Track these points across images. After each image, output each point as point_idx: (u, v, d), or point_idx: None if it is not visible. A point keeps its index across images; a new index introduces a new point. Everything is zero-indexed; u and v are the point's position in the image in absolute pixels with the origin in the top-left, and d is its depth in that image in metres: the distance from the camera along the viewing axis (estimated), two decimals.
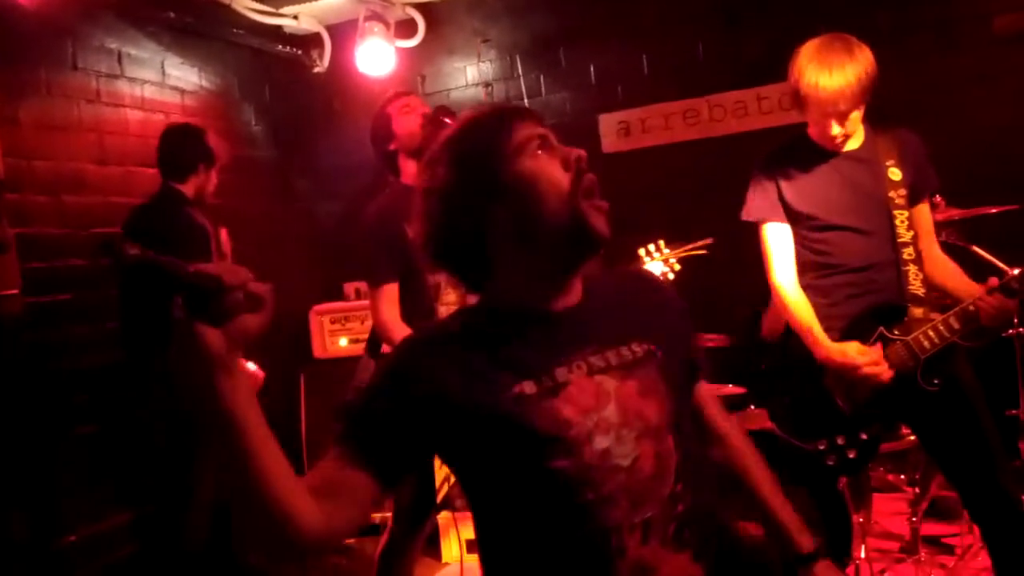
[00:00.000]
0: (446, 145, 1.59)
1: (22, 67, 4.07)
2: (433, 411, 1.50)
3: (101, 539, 4.08)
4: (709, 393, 1.89)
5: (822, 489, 3.19)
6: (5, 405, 3.65)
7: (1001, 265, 3.39)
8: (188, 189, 4.04)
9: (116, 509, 4.18)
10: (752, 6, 5.04)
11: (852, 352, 2.83)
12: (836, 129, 2.82)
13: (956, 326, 2.76)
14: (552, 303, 1.59)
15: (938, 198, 3.50)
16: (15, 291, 3.69)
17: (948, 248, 3.61)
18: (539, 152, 1.54)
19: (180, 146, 4.09)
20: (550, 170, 1.53)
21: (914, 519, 3.71)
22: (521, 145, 1.54)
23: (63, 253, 4.09)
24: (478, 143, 1.56)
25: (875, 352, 2.82)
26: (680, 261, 3.58)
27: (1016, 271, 2.72)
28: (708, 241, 3.61)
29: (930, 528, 3.89)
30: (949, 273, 2.94)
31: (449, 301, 3.44)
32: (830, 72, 2.72)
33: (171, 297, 1.29)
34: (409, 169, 3.44)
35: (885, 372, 2.80)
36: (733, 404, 3.99)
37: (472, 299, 3.41)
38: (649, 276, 2.14)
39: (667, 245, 3.56)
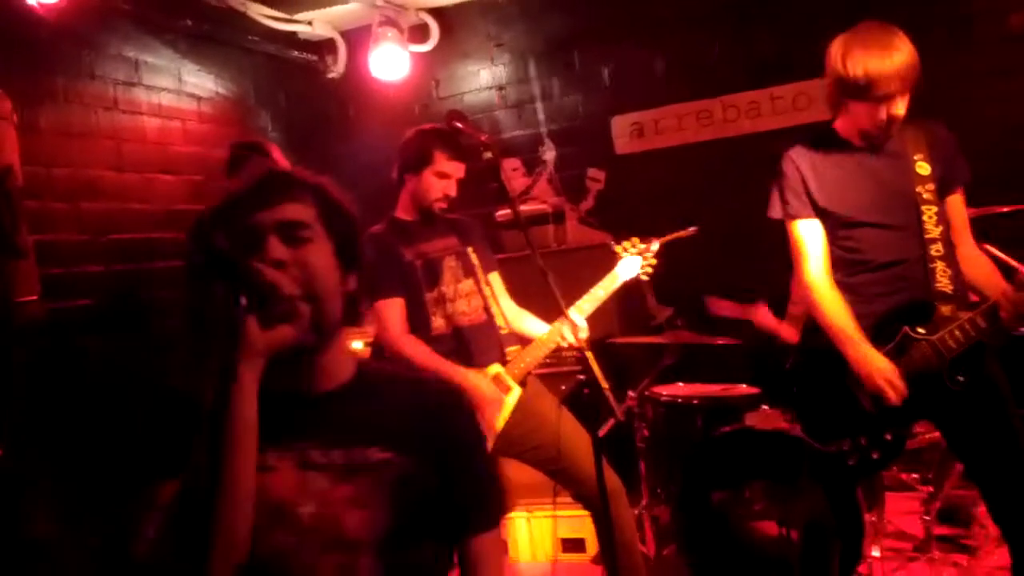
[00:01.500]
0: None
1: (40, 76, 4.14)
2: None
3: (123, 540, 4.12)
4: (487, 554, 1.62)
5: (839, 489, 3.17)
6: (25, 409, 3.70)
7: (1014, 263, 3.37)
8: None
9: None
10: (764, 6, 5.04)
11: (884, 367, 2.78)
12: (903, 109, 2.74)
13: (982, 324, 2.71)
14: (285, 385, 1.54)
15: None
16: (35, 297, 3.74)
17: None
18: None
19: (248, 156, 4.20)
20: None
21: (927, 518, 3.71)
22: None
23: (81, 260, 4.15)
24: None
25: (896, 373, 2.78)
26: (678, 258, 3.62)
27: None
28: (692, 230, 3.64)
29: (944, 527, 3.88)
30: (981, 269, 2.89)
31: (457, 311, 3.46)
32: (888, 53, 2.67)
33: (238, 293, 1.39)
34: (405, 204, 3.54)
35: (896, 391, 2.76)
36: (747, 404, 4.01)
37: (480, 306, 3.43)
38: (452, 400, 1.69)
39: (642, 241, 3.58)
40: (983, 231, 3.63)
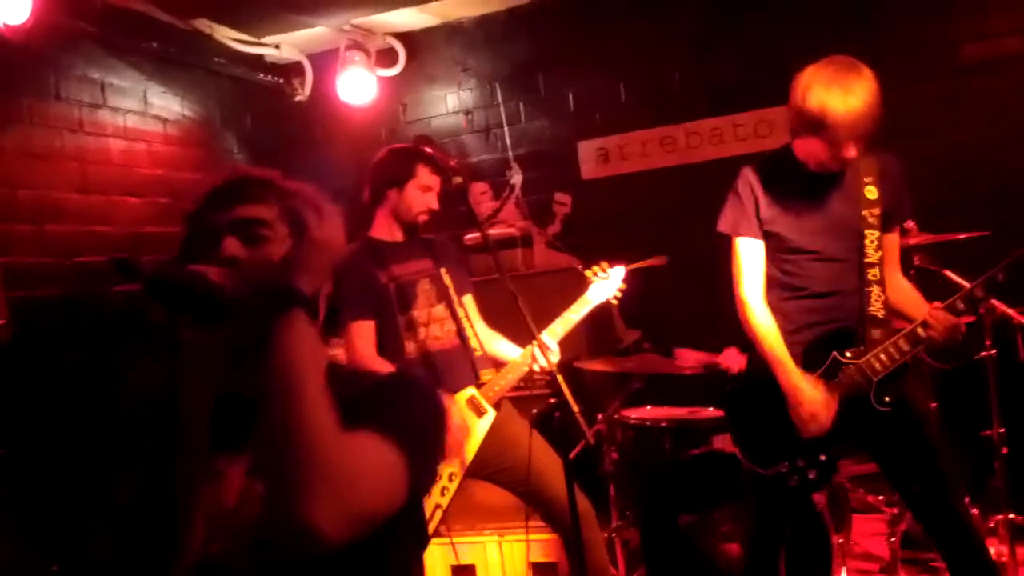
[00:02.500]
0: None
1: (5, 97, 4.09)
2: None
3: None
4: None
5: (789, 507, 3.17)
6: None
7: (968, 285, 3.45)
8: None
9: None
10: (724, 34, 5.13)
11: (813, 400, 2.85)
12: (853, 152, 2.77)
13: (905, 348, 2.84)
14: (246, 389, 1.49)
15: (910, 223, 3.57)
16: (2, 321, 3.69)
17: (920, 272, 3.68)
18: None
19: None
20: None
21: (893, 539, 3.76)
22: None
23: (46, 283, 4.10)
24: None
25: (823, 398, 2.85)
26: (644, 282, 3.68)
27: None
28: (661, 260, 3.70)
29: (909, 549, 3.92)
30: (907, 296, 3.00)
31: (429, 335, 3.46)
32: (847, 97, 2.69)
33: (181, 311, 1.33)
34: (381, 223, 3.52)
35: (817, 424, 2.84)
36: (715, 427, 4.04)
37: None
38: (408, 384, 1.63)
39: (610, 265, 3.62)
40: (945, 257, 3.72)
